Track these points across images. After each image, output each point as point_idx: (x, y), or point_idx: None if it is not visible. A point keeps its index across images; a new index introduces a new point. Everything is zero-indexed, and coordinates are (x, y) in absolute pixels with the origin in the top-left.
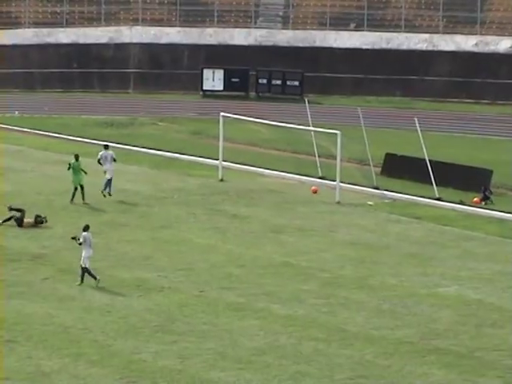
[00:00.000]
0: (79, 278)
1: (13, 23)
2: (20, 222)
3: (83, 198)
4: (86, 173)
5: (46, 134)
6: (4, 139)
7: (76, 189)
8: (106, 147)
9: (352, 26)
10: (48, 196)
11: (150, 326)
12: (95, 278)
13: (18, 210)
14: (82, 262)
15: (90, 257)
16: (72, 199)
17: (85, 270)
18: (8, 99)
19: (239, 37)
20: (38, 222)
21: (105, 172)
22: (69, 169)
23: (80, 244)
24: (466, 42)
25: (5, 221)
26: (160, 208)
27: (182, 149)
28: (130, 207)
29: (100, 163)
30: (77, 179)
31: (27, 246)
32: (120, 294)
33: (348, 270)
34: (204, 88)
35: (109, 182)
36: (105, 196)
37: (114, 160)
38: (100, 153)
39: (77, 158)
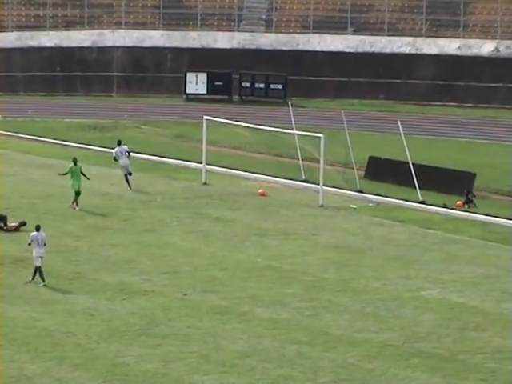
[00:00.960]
0: (32, 275)
1: None
2: (3, 227)
3: (77, 204)
4: (88, 178)
5: (30, 137)
6: None
7: (76, 193)
8: (120, 143)
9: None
10: (31, 199)
11: (133, 329)
12: (43, 280)
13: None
14: (34, 262)
15: (41, 256)
16: (73, 203)
17: (36, 269)
18: None
19: (222, 40)
20: (21, 224)
21: (122, 168)
22: (66, 174)
23: (29, 244)
24: (448, 46)
25: None
26: (143, 211)
27: (166, 152)
28: (114, 211)
29: (116, 159)
30: (76, 183)
31: (9, 250)
32: (103, 298)
33: (331, 273)
34: (187, 91)
35: (126, 177)
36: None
37: (129, 154)
38: (115, 149)
39: (75, 161)
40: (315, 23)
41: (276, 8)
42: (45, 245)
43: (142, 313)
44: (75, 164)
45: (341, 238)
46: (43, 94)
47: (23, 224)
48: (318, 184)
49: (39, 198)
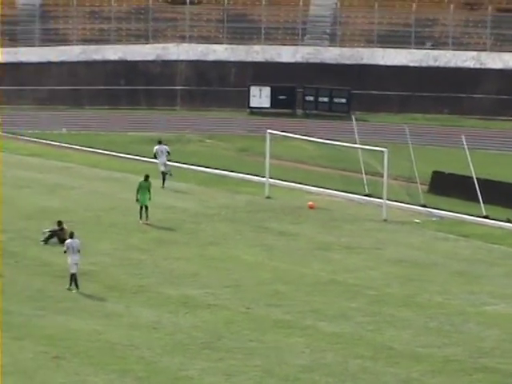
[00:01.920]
0: (69, 282)
1: (60, 40)
2: (62, 239)
3: (147, 218)
4: (150, 198)
5: (94, 150)
6: (52, 156)
7: (141, 208)
8: (160, 142)
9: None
10: (97, 212)
11: (196, 342)
12: (77, 287)
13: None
14: (69, 269)
15: (76, 263)
16: (140, 217)
17: (72, 276)
18: (56, 116)
19: (286, 54)
20: (59, 225)
21: (161, 165)
22: (138, 191)
23: (65, 252)
24: None
25: (47, 239)
26: (207, 225)
27: (229, 166)
28: (178, 224)
29: (156, 157)
30: (143, 199)
31: None
32: (167, 311)
33: (395, 287)
34: (251, 105)
35: (163, 175)
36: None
37: (168, 153)
38: (155, 147)
39: (146, 178)
40: (379, 37)
41: (340, 22)
42: (79, 251)
43: (205, 326)
44: (146, 180)
45: (404, 252)
46: (107, 107)
47: (60, 223)
48: (382, 198)
49: (103, 211)
